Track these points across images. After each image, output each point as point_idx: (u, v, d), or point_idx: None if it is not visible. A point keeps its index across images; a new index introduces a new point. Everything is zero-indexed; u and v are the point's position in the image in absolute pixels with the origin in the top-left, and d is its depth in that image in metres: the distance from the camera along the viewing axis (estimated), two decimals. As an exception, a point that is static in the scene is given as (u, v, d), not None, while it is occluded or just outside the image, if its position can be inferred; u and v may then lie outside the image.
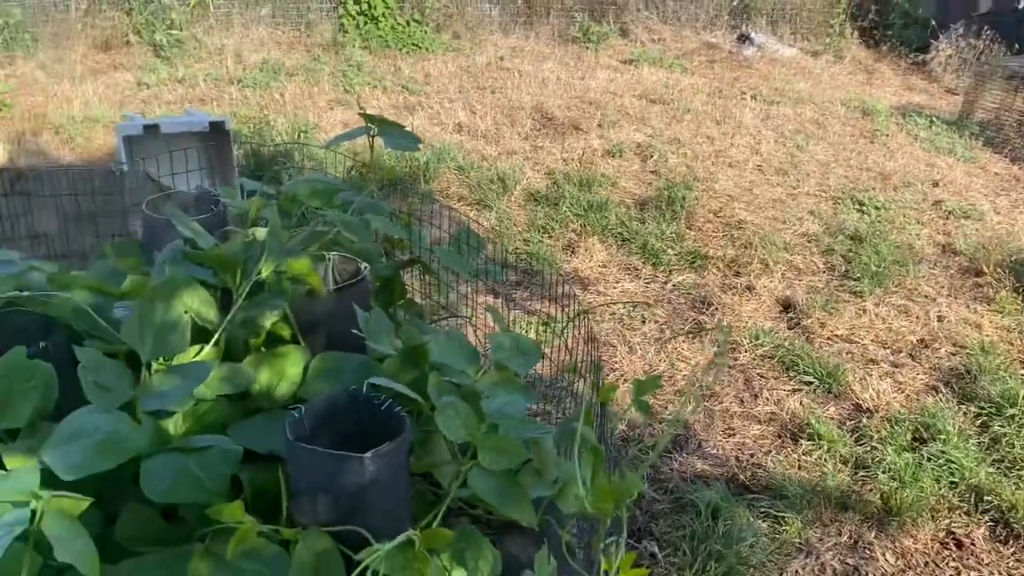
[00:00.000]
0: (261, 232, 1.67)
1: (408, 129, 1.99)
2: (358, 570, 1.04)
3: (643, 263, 4.27)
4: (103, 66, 6.77)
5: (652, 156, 5.51)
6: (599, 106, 6.52)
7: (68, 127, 5.44)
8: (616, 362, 3.47)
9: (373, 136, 1.93)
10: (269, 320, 1.43)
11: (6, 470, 1.16)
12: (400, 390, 1.25)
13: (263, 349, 1.49)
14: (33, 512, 0.92)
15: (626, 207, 4.82)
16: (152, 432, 1.24)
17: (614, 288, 4.05)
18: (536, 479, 1.29)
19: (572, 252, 4.35)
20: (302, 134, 5.32)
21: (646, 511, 2.66)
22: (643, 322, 3.77)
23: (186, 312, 1.30)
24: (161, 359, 1.32)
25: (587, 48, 8.23)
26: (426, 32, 8.13)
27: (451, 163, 5.19)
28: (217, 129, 3.99)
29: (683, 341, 3.62)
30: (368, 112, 1.96)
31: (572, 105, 6.54)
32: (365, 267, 1.63)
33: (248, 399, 1.42)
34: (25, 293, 1.32)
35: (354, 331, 1.42)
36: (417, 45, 7.89)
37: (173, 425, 1.33)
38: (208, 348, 1.41)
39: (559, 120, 6.19)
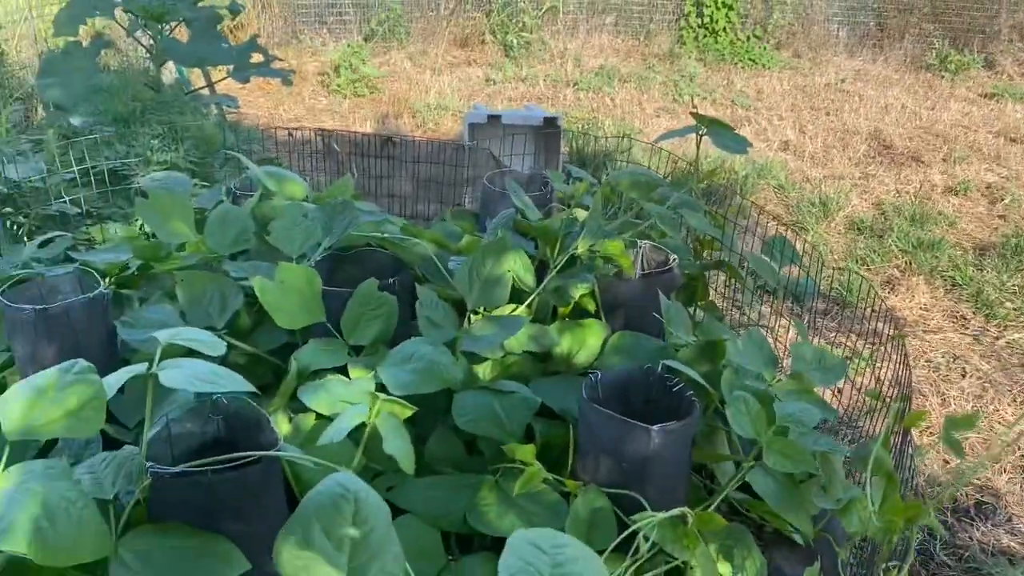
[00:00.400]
0: (581, 213, 1.78)
1: (738, 134, 2.01)
2: (628, 531, 1.09)
3: (973, 313, 3.86)
4: (459, 61, 7.46)
5: (1003, 199, 4.95)
6: (946, 139, 5.97)
7: (423, 112, 6.09)
8: (923, 412, 3.18)
9: (701, 135, 1.96)
10: (578, 292, 1.53)
11: (349, 379, 1.37)
12: (694, 377, 1.28)
13: (567, 319, 1.60)
14: (370, 409, 1.08)
15: (962, 250, 4.38)
16: (466, 371, 1.39)
17: (935, 335, 3.71)
18: (819, 493, 1.26)
19: (891, 289, 4.05)
20: (626, 137, 5.47)
21: (932, 574, 2.43)
22: (963, 376, 3.42)
23: (509, 271, 1.44)
24: (483, 308, 1.47)
25: (942, 77, 7.55)
26: (765, 48, 7.96)
27: (771, 180, 5.05)
28: (550, 124, 4.25)
29: (1008, 404, 3.23)
30: (697, 113, 2.00)
31: (915, 135, 6.05)
32: (674, 259, 1.68)
33: (549, 361, 1.53)
34: (384, 235, 1.54)
35: (655, 314, 1.47)
36: (754, 60, 7.75)
37: (483, 371, 1.47)
38: (522, 308, 1.54)
39: (897, 149, 5.76)
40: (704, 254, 2.11)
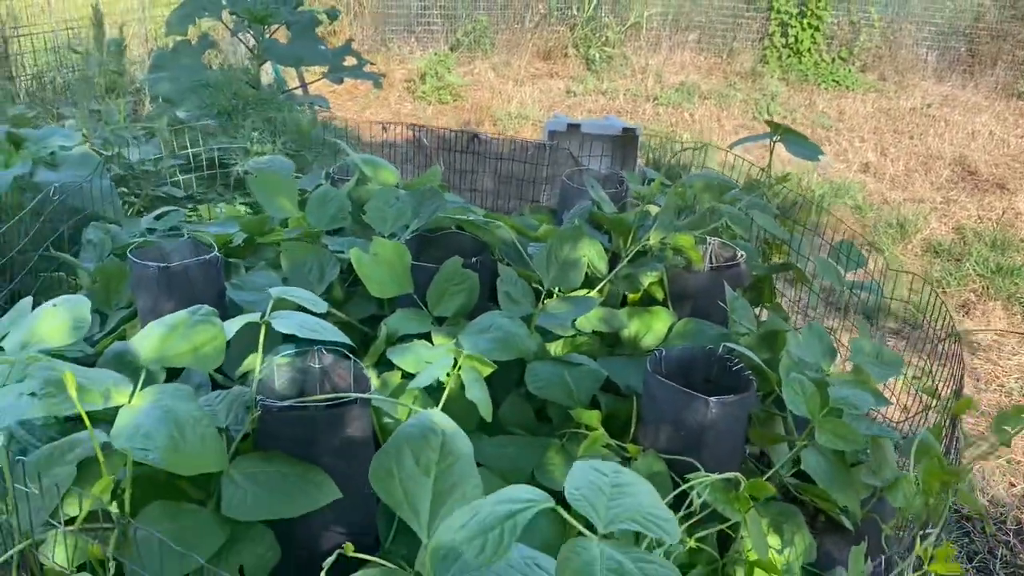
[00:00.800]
0: (654, 209, 1.88)
1: (811, 141, 2.08)
2: (682, 487, 1.18)
3: (1051, 340, 3.80)
4: (541, 73, 7.61)
5: (1091, 229, 4.83)
6: (1035, 167, 5.85)
7: (504, 120, 6.25)
8: (972, 400, 3.16)
9: (775, 142, 2.04)
10: (647, 280, 1.63)
11: (433, 344, 1.50)
12: (753, 359, 1.36)
13: (636, 305, 1.69)
14: (455, 361, 1.20)
15: (1044, 278, 4.30)
16: (540, 343, 1.50)
17: (1009, 360, 3.67)
18: (868, 474, 1.33)
19: (966, 312, 4.01)
20: (703, 146, 5.52)
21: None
22: (1036, 402, 3.37)
23: (584, 256, 1.54)
24: (559, 289, 1.58)
25: (1035, 104, 7.37)
26: (850, 71, 7.89)
27: (849, 200, 5.04)
28: (628, 134, 4.35)
29: (1083, 433, 3.18)
30: (770, 120, 2.08)
31: (1001, 163, 5.93)
32: (742, 255, 1.76)
33: (616, 343, 1.64)
34: (470, 218, 1.66)
35: (720, 303, 1.56)
36: (838, 82, 7.69)
37: (554, 348, 1.58)
38: (594, 292, 1.64)
39: (982, 175, 5.67)
40: (773, 258, 2.18)
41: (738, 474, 1.20)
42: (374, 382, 1.40)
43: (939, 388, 1.98)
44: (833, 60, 7.99)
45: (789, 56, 7.99)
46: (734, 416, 1.29)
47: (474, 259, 1.60)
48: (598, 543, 0.77)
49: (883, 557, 1.22)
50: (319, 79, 4.10)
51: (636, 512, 0.80)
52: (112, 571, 1.01)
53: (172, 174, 2.83)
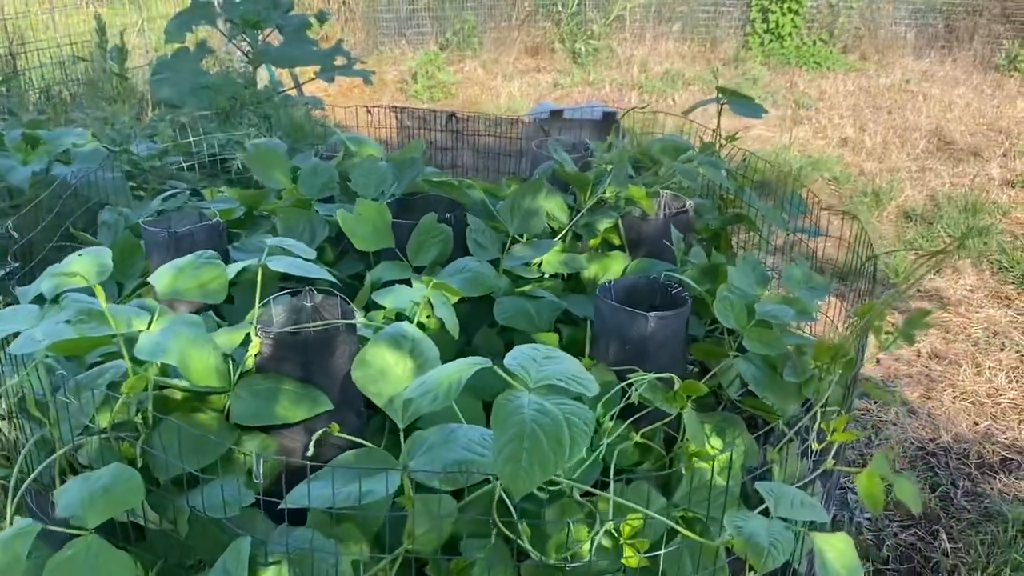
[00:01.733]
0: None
1: (757, 102, 2.27)
2: (622, 385, 1.38)
3: (1018, 293, 3.98)
4: (529, 68, 7.83)
5: (1064, 191, 5.01)
6: (1008, 135, 6.02)
7: (494, 115, 6.47)
8: (958, 379, 3.35)
9: (722, 104, 2.24)
10: (603, 226, 1.83)
11: (412, 287, 1.70)
12: (688, 283, 1.56)
13: (596, 251, 1.89)
14: (425, 288, 1.40)
15: (1013, 236, 4.48)
16: (507, 282, 1.70)
17: (977, 312, 3.85)
18: (790, 372, 1.52)
19: (937, 272, 4.19)
20: (686, 135, 5.70)
21: (952, 516, 2.62)
22: (1001, 349, 3.56)
23: (543, 206, 1.74)
24: (524, 236, 1.78)
25: (1011, 76, 7.55)
26: (831, 52, 8.08)
27: (826, 172, 5.22)
28: (609, 119, 4.54)
29: (1047, 376, 3.36)
30: (720, 86, 2.28)
31: (977, 132, 6.12)
32: (690, 203, 1.95)
33: (578, 284, 1.83)
34: (444, 179, 1.86)
35: (666, 242, 1.76)
36: (819, 63, 7.88)
37: (528, 289, 1.78)
38: (557, 241, 1.84)
39: (958, 145, 5.85)
40: (728, 211, 2.37)
41: (674, 375, 1.40)
42: (361, 319, 1.60)
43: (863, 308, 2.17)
44: (814, 43, 8.18)
45: (771, 41, 8.18)
46: (672, 329, 1.49)
47: (448, 215, 1.80)
48: (528, 394, 0.97)
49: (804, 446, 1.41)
50: (311, 80, 4.31)
51: (560, 373, 1.00)
52: (140, 465, 1.21)
53: (176, 169, 3.04)
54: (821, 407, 1.31)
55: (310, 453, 1.09)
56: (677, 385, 1.40)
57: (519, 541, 1.16)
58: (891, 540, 2.54)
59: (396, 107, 2.42)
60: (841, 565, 0.97)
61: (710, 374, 1.60)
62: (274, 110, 3.56)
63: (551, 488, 1.32)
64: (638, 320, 1.46)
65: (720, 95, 2.24)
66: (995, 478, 2.82)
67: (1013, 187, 5.17)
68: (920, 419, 3.12)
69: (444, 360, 1.58)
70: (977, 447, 2.98)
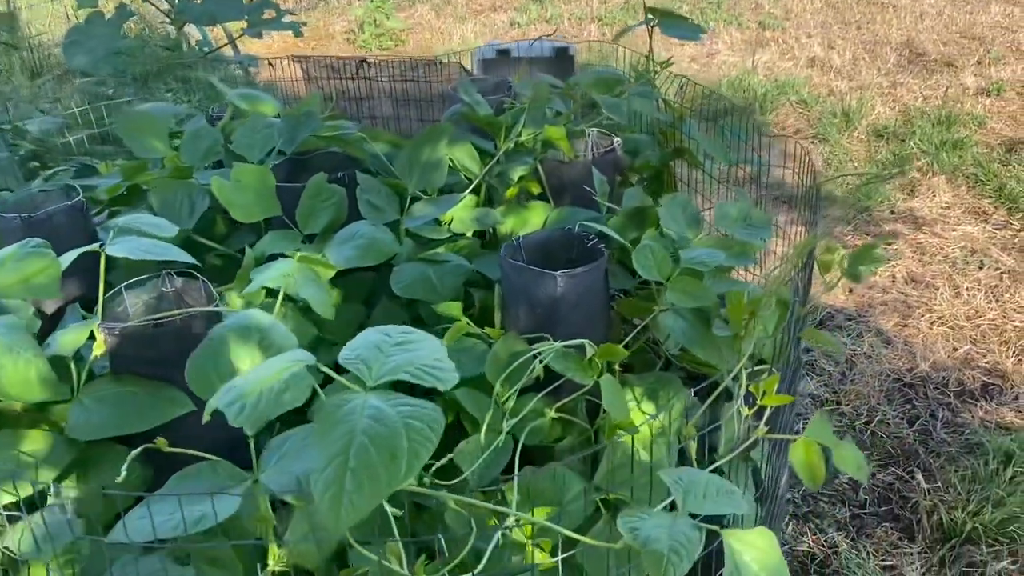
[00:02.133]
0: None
1: (691, 21, 2.06)
2: (527, 356, 1.19)
3: (995, 207, 3.80)
4: (484, 8, 7.50)
5: (1040, 96, 4.80)
6: (983, 42, 5.78)
7: (445, 58, 6.19)
8: (935, 304, 3.19)
9: (653, 26, 2.02)
10: (517, 174, 1.63)
11: (300, 260, 1.50)
12: (607, 232, 1.37)
13: (515, 203, 1.69)
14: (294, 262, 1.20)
15: (989, 148, 4.29)
16: (409, 246, 1.50)
17: (953, 231, 3.68)
18: (721, 326, 1.34)
19: (911, 191, 4.01)
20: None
21: (931, 451, 2.48)
22: (980, 268, 3.40)
23: (446, 155, 1.54)
24: (426, 192, 1.58)
25: (986, -20, 7.26)
26: (798, -32, 7.75)
27: (793, 96, 5.00)
28: (562, 55, 4.29)
29: (1025, 292, 3.20)
30: (652, 7, 2.06)
31: (949, 40, 5.87)
32: (617, 142, 1.75)
33: (497, 242, 1.64)
34: (336, 134, 1.65)
35: (585, 187, 1.56)
36: (785, -18, 7.56)
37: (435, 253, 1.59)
38: (468, 195, 1.64)
39: (930, 56, 5.61)
40: (669, 145, 2.17)
41: (586, 341, 1.22)
42: (236, 302, 1.41)
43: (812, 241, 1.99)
44: (779, -41, 7.84)
45: (734, -39, 7.84)
46: (585, 287, 1.30)
47: (341, 174, 1.60)
48: (364, 394, 0.78)
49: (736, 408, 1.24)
50: (241, 34, 4.04)
51: (409, 364, 0.82)
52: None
53: (80, 145, 2.81)
54: (755, 365, 1.13)
55: (121, 478, 0.91)
56: (591, 351, 1.22)
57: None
58: (868, 482, 2.40)
59: (298, 57, 2.19)
60: (761, 567, 0.80)
61: (636, 329, 1.42)
62: (193, 72, 3.31)
63: (450, 482, 1.16)
64: (545, 280, 1.27)
65: (650, 16, 2.02)
66: (976, 406, 2.68)
67: (988, 95, 4.96)
68: (896, 349, 2.97)
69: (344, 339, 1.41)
70: (957, 374, 2.83)
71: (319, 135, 1.70)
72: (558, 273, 1.26)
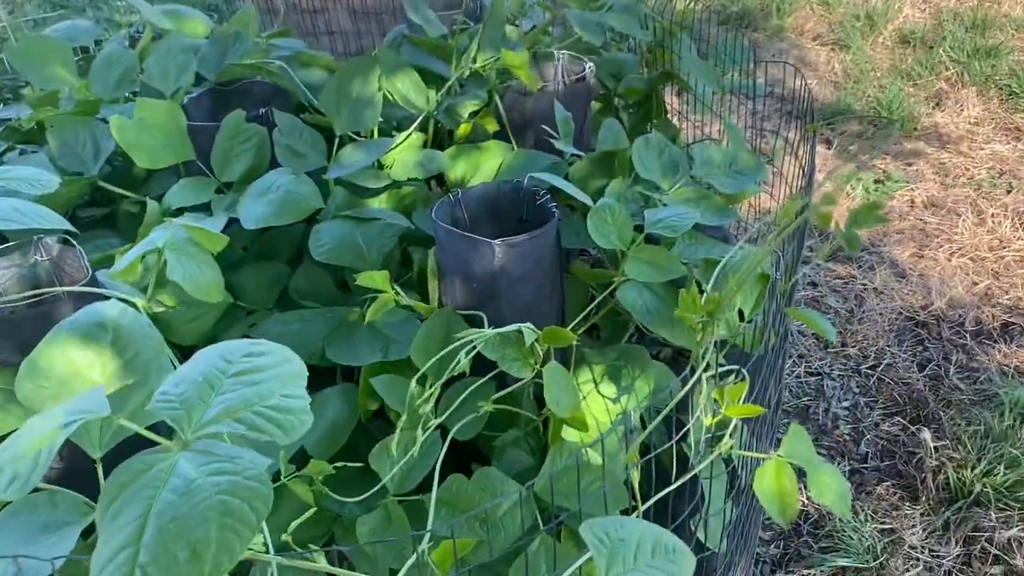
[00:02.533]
0: (510, 31, 1.61)
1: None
2: (457, 344, 1.01)
3: (1030, 123, 3.50)
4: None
5: (1087, -5, 4.39)
6: (1028, -67, 5.30)
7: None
8: (956, 232, 2.94)
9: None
10: (467, 109, 1.40)
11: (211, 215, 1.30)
12: (559, 185, 1.16)
13: (469, 143, 1.47)
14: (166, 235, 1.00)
15: (1027, 55, 3.94)
16: (341, 198, 1.30)
17: (981, 150, 3.39)
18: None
19: (937, 104, 3.70)
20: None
21: (941, 399, 2.29)
22: (1008, 191, 3.13)
23: (379, 90, 1.31)
24: (357, 134, 1.36)
25: None
26: None
27: (814, -3, 4.62)
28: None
29: (1059, 219, 2.95)
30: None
31: (992, -69, 5.39)
32: (590, 67, 1.51)
33: (446, 189, 1.43)
34: (256, 61, 1.42)
35: (544, 127, 1.34)
36: None
37: (377, 202, 1.38)
38: (412, 133, 1.42)
39: (967, -51, 5.16)
40: (657, 66, 1.92)
41: (527, 325, 1.03)
42: (135, 271, 1.21)
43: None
44: None
45: None
46: (533, 257, 1.10)
47: (262, 110, 1.38)
48: (175, 454, 0.60)
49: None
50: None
51: (244, 407, 0.63)
52: None
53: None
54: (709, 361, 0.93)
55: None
56: (530, 337, 1.02)
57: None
58: (871, 433, 2.23)
59: (240, -36, 1.93)
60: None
61: (599, 298, 1.22)
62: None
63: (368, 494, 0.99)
64: (481, 249, 1.07)
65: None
66: (994, 348, 2.47)
67: (1029, -5, 4.54)
68: (910, 283, 2.75)
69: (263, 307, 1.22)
70: (975, 312, 2.62)
71: (240, 63, 1.46)
72: (496, 242, 1.05)
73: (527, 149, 1.40)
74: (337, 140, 1.33)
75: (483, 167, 1.41)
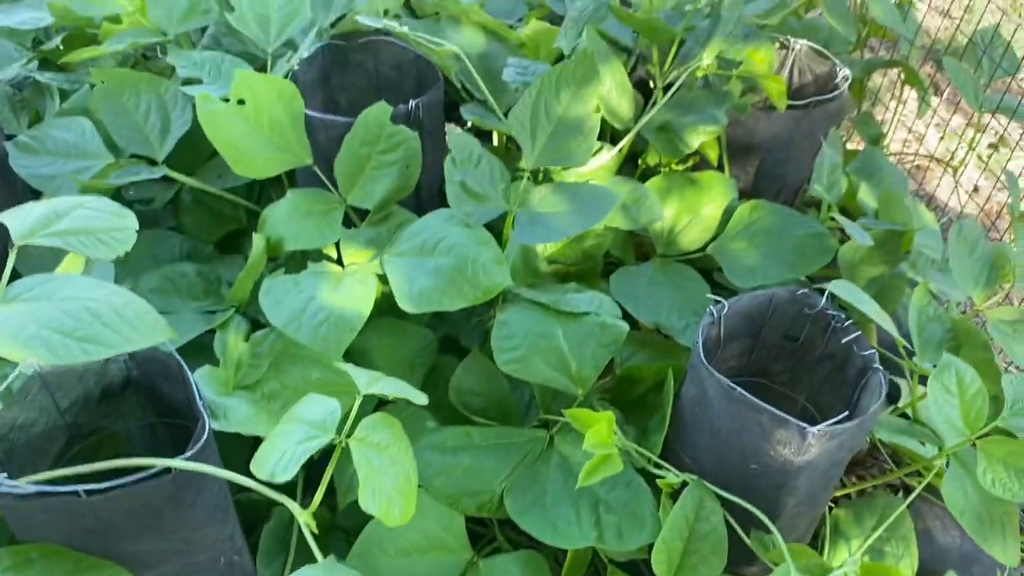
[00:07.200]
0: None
1: None
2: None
3: None
4: None
5: None
6: None
7: None
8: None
9: None
10: (698, 137, 1.01)
11: (342, 266, 0.92)
12: (866, 311, 0.80)
13: (671, 170, 1.09)
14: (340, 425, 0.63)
15: None
16: (518, 265, 0.92)
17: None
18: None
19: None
20: None
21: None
22: None
23: (597, 111, 0.91)
24: (553, 167, 0.96)
25: None
26: None
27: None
28: None
29: None
30: None
31: None
32: (844, 75, 1.11)
33: (642, 235, 1.06)
34: (402, 28, 0.98)
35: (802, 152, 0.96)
36: None
37: (542, 248, 1.01)
38: (611, 153, 1.03)
39: None
40: (867, 42, 1.50)
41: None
42: (236, 349, 0.84)
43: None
44: None
45: None
46: (848, 447, 0.76)
47: (414, 103, 0.96)
48: None
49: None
50: None
51: None
52: None
53: None
54: None
55: None
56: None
57: None
58: None
59: None
60: None
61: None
62: None
63: None
64: (784, 431, 0.72)
65: None
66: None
67: None
68: None
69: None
70: None
71: (362, 18, 1.01)
72: (812, 430, 0.70)
73: (765, 203, 1.01)
74: (526, 176, 0.93)
75: (702, 212, 1.03)
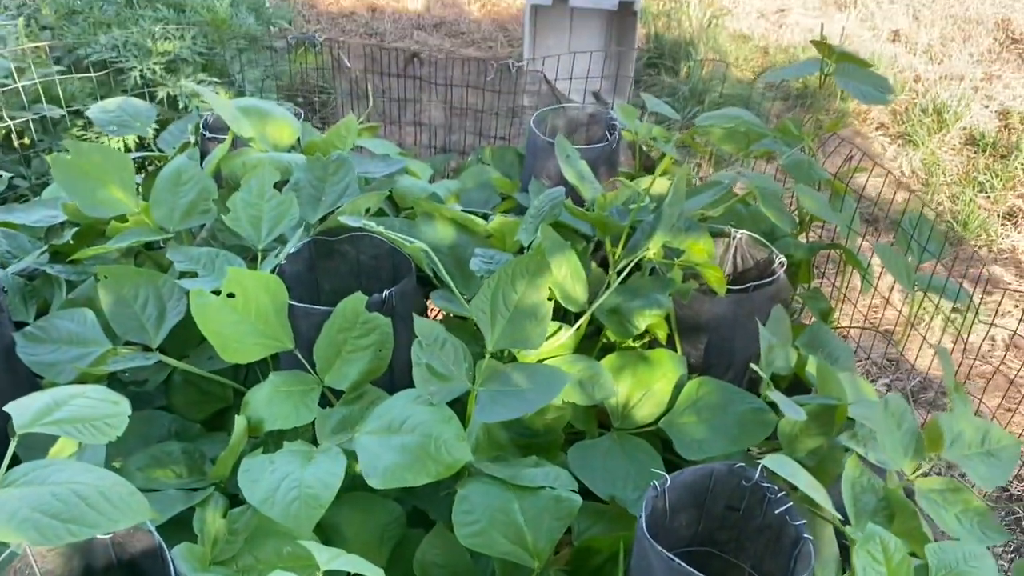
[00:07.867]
0: (660, 184, 1.32)
1: (876, 71, 1.49)
2: None
3: (1114, 256, 3.28)
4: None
5: None
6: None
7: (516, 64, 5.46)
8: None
9: (826, 76, 1.46)
10: (645, 320, 1.11)
11: (316, 445, 0.99)
12: (799, 485, 0.86)
13: (625, 349, 1.18)
14: None
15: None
16: (483, 439, 0.99)
17: (1061, 283, 3.16)
18: None
19: (1014, 224, 3.47)
20: (714, 21, 4.80)
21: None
22: (1094, 339, 2.90)
23: (550, 299, 1.01)
24: (508, 350, 1.06)
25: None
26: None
27: (877, 81, 4.38)
28: (625, 9, 3.67)
29: None
30: (819, 40, 1.48)
31: (1051, 26, 5.21)
32: (780, 262, 1.23)
33: (597, 410, 1.13)
34: (369, 225, 1.11)
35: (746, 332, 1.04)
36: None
37: (506, 422, 1.08)
38: (568, 334, 1.12)
39: (1028, 44, 4.97)
40: (810, 228, 1.64)
41: None
42: (215, 525, 0.90)
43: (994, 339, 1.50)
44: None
45: None
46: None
47: (387, 292, 1.07)
48: None
49: None
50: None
51: None
52: None
53: (59, 76, 2.23)
54: None
55: None
56: None
57: None
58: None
59: (332, 40, 1.60)
60: None
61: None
62: (192, -5, 2.67)
63: None
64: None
65: (823, 59, 1.45)
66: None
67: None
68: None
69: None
70: None
71: (345, 217, 1.14)
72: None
73: (710, 380, 1.10)
74: (487, 357, 1.02)
75: (654, 388, 1.11)
